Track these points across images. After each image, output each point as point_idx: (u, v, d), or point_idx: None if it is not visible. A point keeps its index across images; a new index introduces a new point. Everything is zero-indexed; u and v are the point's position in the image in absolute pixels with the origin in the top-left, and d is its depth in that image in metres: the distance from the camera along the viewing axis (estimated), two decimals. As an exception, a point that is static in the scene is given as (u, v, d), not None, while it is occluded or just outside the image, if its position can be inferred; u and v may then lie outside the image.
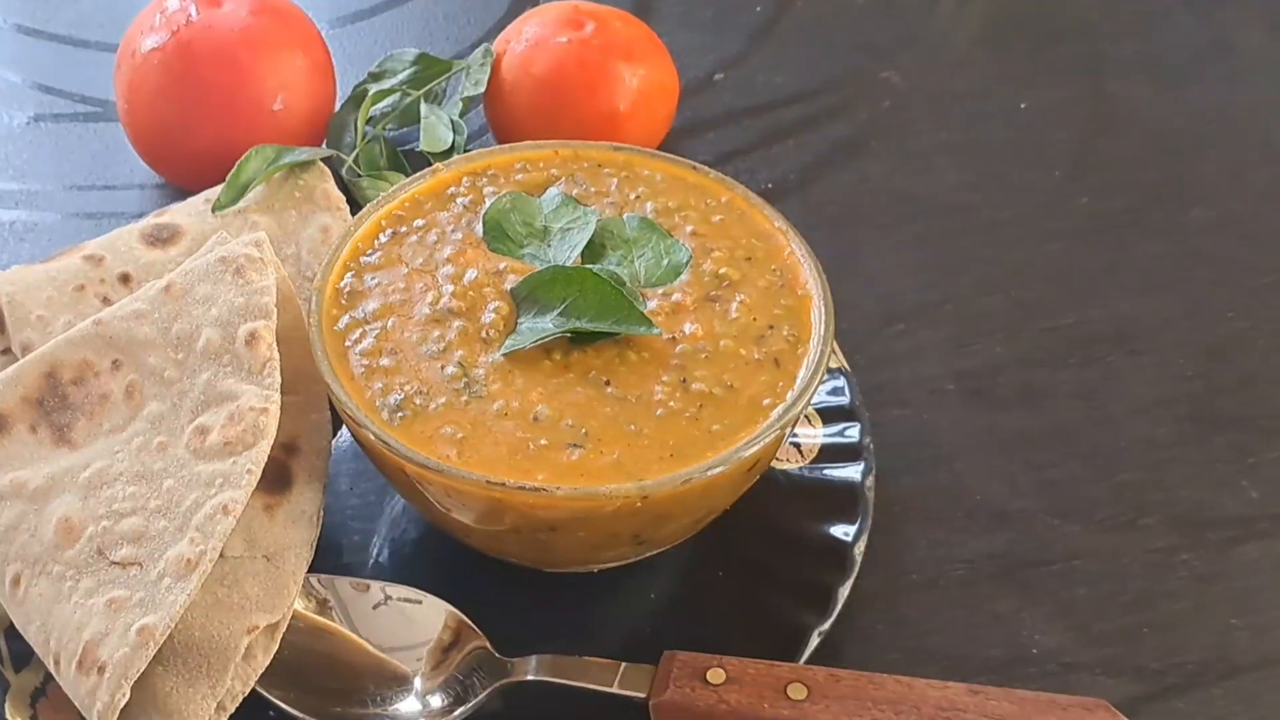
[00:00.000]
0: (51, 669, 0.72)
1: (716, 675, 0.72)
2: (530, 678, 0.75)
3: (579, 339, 0.77)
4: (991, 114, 1.20)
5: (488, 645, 0.77)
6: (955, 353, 0.99)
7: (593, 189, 0.86)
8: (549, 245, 0.82)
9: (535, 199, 0.85)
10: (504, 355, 0.76)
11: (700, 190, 0.86)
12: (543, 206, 0.85)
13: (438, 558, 0.86)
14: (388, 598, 0.78)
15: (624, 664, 0.74)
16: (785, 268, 0.82)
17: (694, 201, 0.86)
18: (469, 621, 0.77)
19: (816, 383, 0.76)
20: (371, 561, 0.86)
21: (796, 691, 0.71)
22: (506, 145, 0.90)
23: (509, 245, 0.82)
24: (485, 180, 0.87)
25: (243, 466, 0.71)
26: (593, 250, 0.82)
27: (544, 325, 0.77)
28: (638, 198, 0.86)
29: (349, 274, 0.81)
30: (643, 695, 0.73)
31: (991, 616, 0.84)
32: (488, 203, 0.85)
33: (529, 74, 1.06)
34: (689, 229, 0.84)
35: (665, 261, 0.81)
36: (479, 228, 0.84)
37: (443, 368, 0.76)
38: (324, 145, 1.09)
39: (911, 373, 0.97)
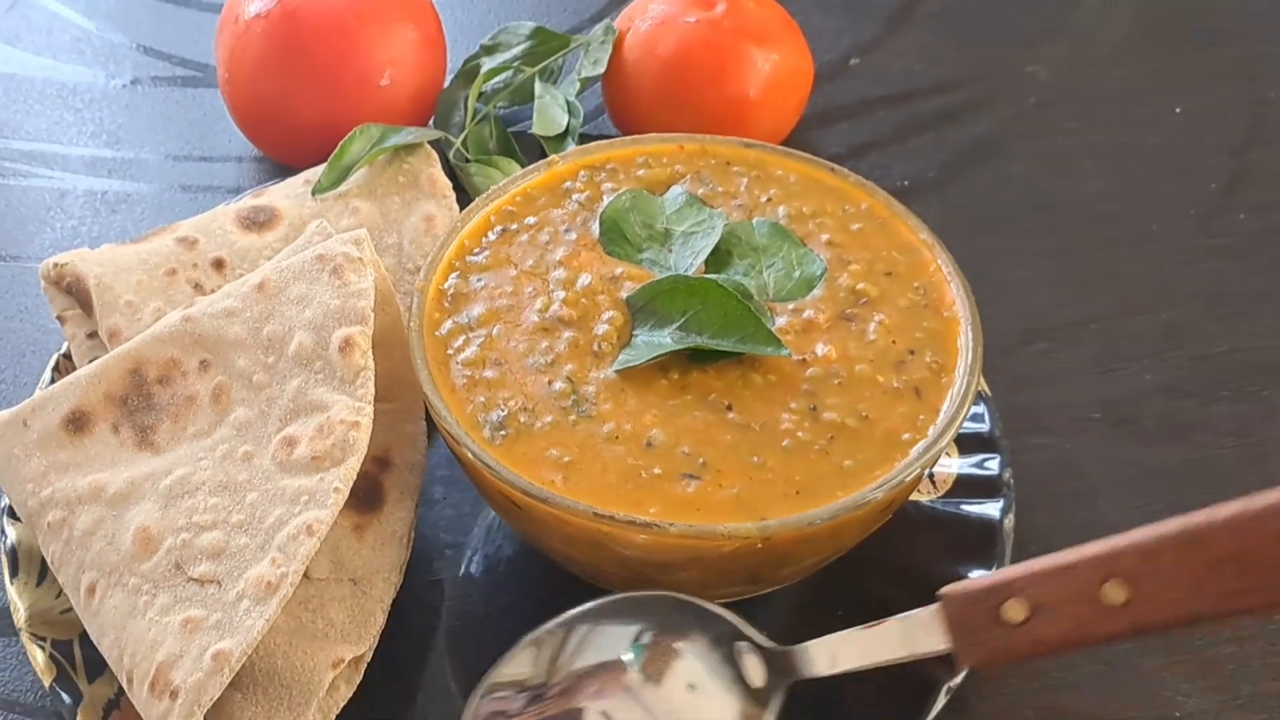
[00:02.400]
0: (124, 686, 0.68)
1: (1016, 610, 0.62)
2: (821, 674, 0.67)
3: (699, 357, 0.71)
4: (1142, 117, 1.12)
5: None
6: (1100, 377, 0.92)
7: (720, 189, 0.80)
8: (670, 250, 0.76)
9: (657, 198, 0.79)
10: (617, 372, 0.70)
11: (838, 194, 0.80)
12: (665, 206, 0.78)
13: (534, 578, 0.80)
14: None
15: (894, 620, 0.65)
16: (930, 285, 0.75)
17: (831, 207, 0.79)
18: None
19: (962, 418, 0.69)
20: (461, 573, 0.80)
21: (1115, 594, 0.59)
22: (628, 137, 0.84)
23: (626, 249, 0.76)
24: (604, 175, 0.81)
25: (330, 484, 0.66)
26: (718, 257, 0.76)
27: (661, 340, 0.71)
28: (769, 200, 0.79)
29: (454, 274, 0.75)
30: (946, 649, 0.64)
31: (1132, 674, 0.77)
32: (606, 200, 0.78)
33: (653, 55, 1.00)
34: (824, 238, 0.77)
35: (797, 273, 0.75)
36: (595, 227, 0.77)
37: (550, 383, 0.70)
38: (431, 124, 1.03)
39: (1053, 398, 0.90)
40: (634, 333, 0.72)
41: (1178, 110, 1.13)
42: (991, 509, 0.79)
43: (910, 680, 0.72)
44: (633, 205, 0.78)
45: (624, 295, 0.74)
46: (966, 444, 0.82)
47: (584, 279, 0.74)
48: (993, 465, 0.81)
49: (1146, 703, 0.76)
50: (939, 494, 0.80)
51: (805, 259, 0.75)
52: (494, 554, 0.81)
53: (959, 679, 0.72)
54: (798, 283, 0.74)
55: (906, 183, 1.05)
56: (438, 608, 0.78)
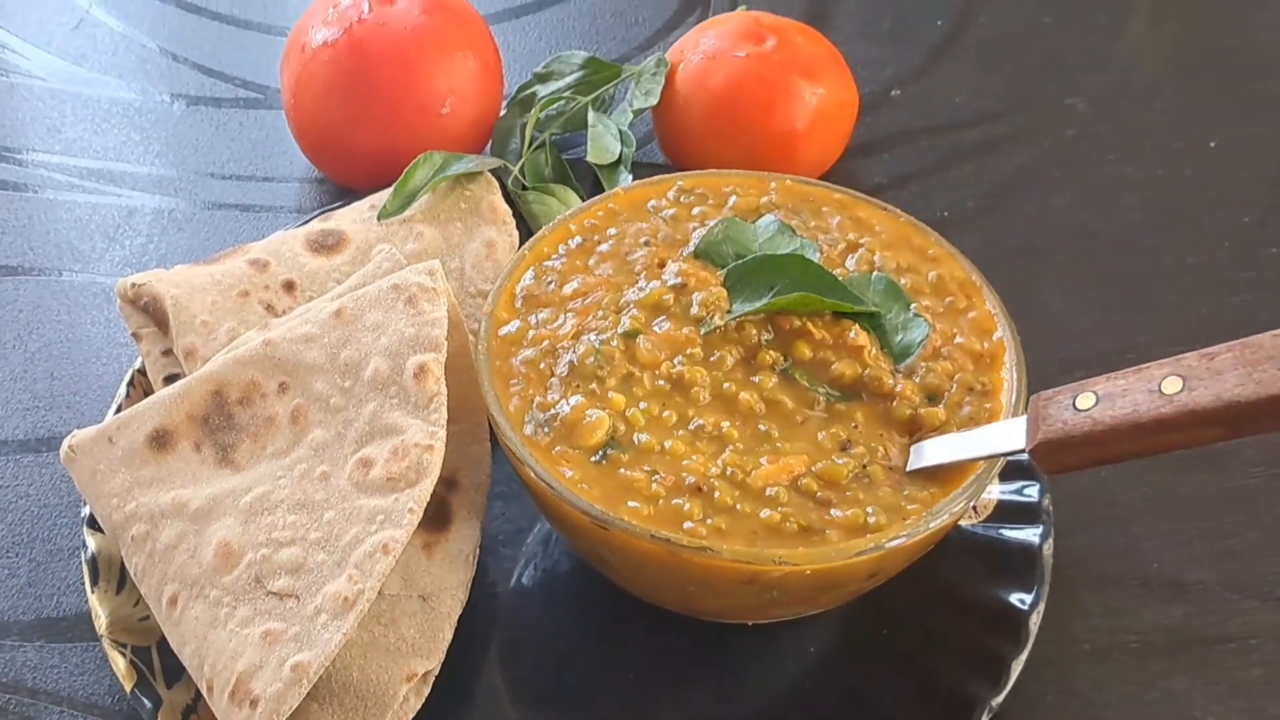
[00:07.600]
0: (204, 693, 0.71)
1: (1086, 400, 0.66)
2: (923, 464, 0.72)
3: None
4: (1180, 150, 1.14)
5: None
6: (1136, 407, 0.94)
7: (812, 223, 0.83)
8: None
9: (750, 224, 0.82)
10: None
11: (924, 256, 0.82)
12: (757, 233, 0.81)
13: (589, 592, 0.83)
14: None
15: (989, 428, 0.71)
16: (978, 323, 0.78)
17: (924, 267, 0.81)
18: None
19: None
20: (517, 586, 0.83)
21: (1171, 385, 0.63)
22: (713, 171, 0.87)
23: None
24: (694, 199, 0.84)
25: (405, 505, 0.69)
26: None
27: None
28: (861, 246, 0.82)
29: (521, 295, 0.79)
30: (1023, 447, 0.68)
31: (1164, 694, 0.80)
32: (692, 230, 0.82)
33: (704, 88, 1.03)
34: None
35: (899, 337, 0.77)
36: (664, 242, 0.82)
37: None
38: (488, 151, 1.06)
39: (1090, 427, 0.92)
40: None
41: (1212, 145, 1.15)
42: (1031, 535, 0.82)
43: (949, 694, 0.75)
44: (725, 235, 0.80)
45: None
46: (1007, 471, 0.85)
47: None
48: (1032, 492, 0.83)
49: (1177, 721, 0.79)
50: (980, 519, 0.83)
51: (911, 324, 0.77)
52: (550, 568, 0.84)
53: (1001, 697, 0.75)
54: (898, 347, 0.77)
55: (947, 214, 1.08)
56: (494, 620, 0.81)
